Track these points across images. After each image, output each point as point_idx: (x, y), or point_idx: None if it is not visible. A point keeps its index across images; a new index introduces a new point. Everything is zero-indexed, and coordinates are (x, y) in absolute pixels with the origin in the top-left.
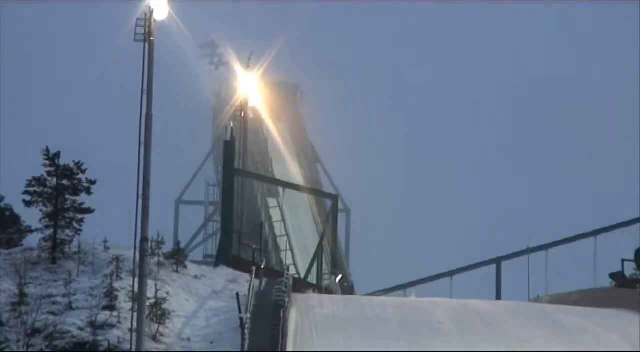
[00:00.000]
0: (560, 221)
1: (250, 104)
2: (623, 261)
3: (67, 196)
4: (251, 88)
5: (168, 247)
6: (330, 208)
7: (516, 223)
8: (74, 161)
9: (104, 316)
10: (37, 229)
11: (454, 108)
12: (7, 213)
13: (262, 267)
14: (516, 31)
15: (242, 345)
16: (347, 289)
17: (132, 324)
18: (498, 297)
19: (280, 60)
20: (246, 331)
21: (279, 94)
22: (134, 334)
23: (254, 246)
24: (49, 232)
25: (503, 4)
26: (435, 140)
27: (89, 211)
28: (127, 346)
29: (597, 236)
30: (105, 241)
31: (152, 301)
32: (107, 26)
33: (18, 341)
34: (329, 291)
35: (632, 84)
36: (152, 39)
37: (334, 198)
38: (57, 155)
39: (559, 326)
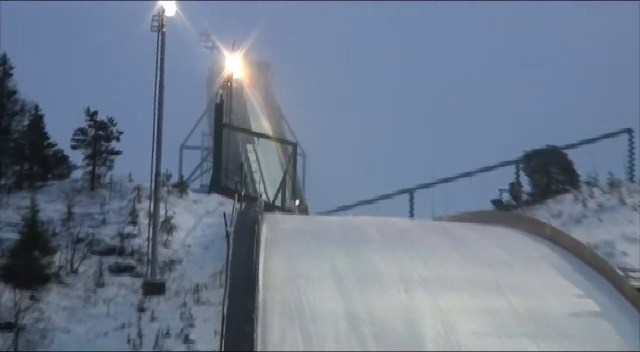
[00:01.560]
0: (459, 159)
1: (234, 77)
2: (500, 190)
3: (102, 143)
4: (235, 65)
5: (174, 179)
6: (291, 152)
7: (427, 160)
8: (107, 117)
9: (128, 228)
10: (80, 166)
11: (385, 80)
12: (59, 155)
13: (242, 194)
14: None
15: (227, 250)
16: (303, 210)
17: (149, 235)
18: (411, 216)
19: (257, 44)
20: (230, 240)
21: (255, 69)
22: (150, 242)
23: (236, 179)
24: (89, 168)
25: None
26: (364, 105)
27: (118, 153)
28: (145, 251)
29: (485, 173)
30: (130, 175)
31: (163, 218)
32: (131, 19)
33: (67, 246)
34: (290, 211)
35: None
36: (163, 30)
37: (294, 145)
38: (96, 113)
39: (454, 237)
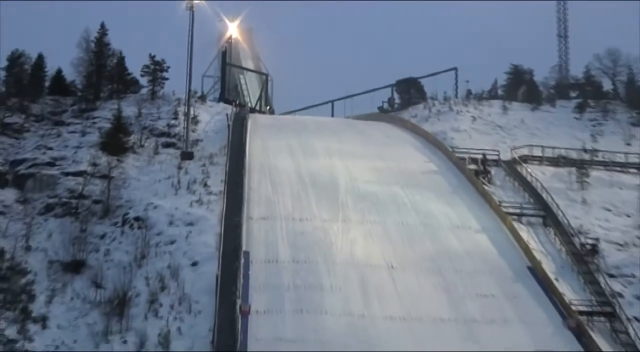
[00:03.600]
0: (361, 82)
1: (232, 36)
2: (382, 102)
3: (157, 73)
4: (233, 30)
5: (199, 94)
6: (265, 79)
7: (344, 82)
8: (161, 58)
9: (172, 122)
10: (145, 86)
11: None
12: (134, 80)
13: (237, 103)
14: None
15: (228, 134)
16: (272, 112)
17: (184, 125)
18: (332, 116)
19: (246, 17)
20: (230, 129)
21: (244, 32)
22: (185, 130)
23: (234, 94)
24: (150, 87)
25: None
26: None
27: (167, 79)
28: (182, 134)
29: (374, 91)
30: (173, 91)
31: (192, 116)
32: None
33: (138, 131)
34: (264, 113)
35: None
36: (193, 10)
37: (267, 75)
38: (154, 56)
39: (356, 128)
